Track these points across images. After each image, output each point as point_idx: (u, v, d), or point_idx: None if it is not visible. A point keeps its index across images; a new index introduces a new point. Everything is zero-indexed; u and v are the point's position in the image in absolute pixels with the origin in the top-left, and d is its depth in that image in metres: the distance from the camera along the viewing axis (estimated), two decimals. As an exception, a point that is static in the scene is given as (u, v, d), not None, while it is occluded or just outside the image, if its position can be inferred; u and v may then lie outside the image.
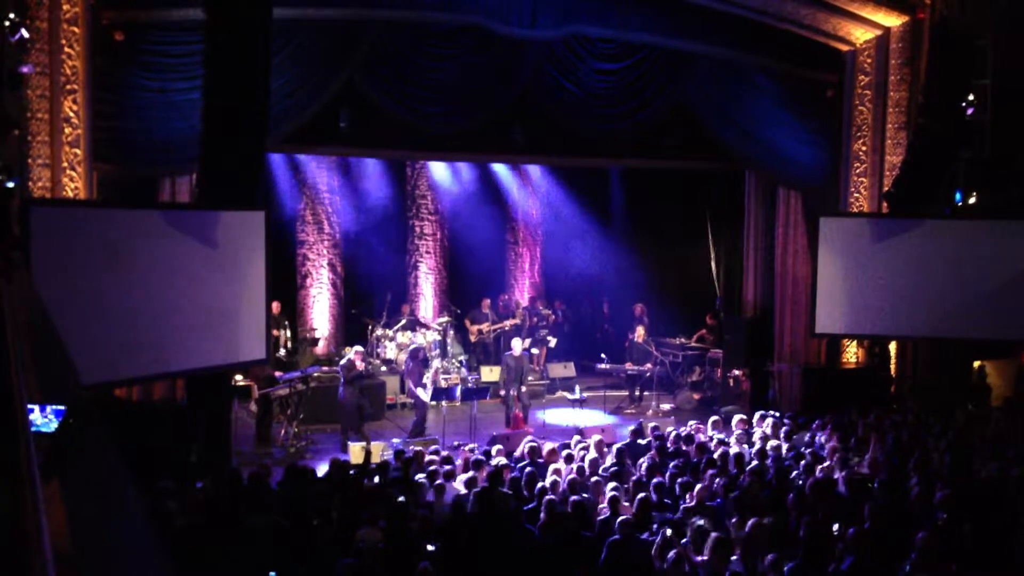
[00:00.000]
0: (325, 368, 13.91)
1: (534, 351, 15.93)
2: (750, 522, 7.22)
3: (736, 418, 11.45)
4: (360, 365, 12.54)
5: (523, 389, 13.60)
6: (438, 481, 8.67)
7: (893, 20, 13.54)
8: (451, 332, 15.98)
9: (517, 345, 13.57)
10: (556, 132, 14.11)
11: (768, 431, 10.82)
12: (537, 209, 18.38)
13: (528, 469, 9.05)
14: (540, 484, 8.41)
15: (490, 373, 14.84)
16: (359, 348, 12.96)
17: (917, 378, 13.88)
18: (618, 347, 16.02)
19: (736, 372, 14.58)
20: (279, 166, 15.59)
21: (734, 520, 7.46)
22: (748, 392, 14.37)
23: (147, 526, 3.47)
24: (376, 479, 8.82)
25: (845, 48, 14.01)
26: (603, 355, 15.30)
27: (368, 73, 12.36)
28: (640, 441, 10.47)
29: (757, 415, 11.52)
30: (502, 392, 13.46)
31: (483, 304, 16.47)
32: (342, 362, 12.74)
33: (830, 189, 14.26)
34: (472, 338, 16.23)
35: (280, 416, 12.51)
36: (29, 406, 2.98)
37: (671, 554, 6.61)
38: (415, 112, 12.75)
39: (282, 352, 13.97)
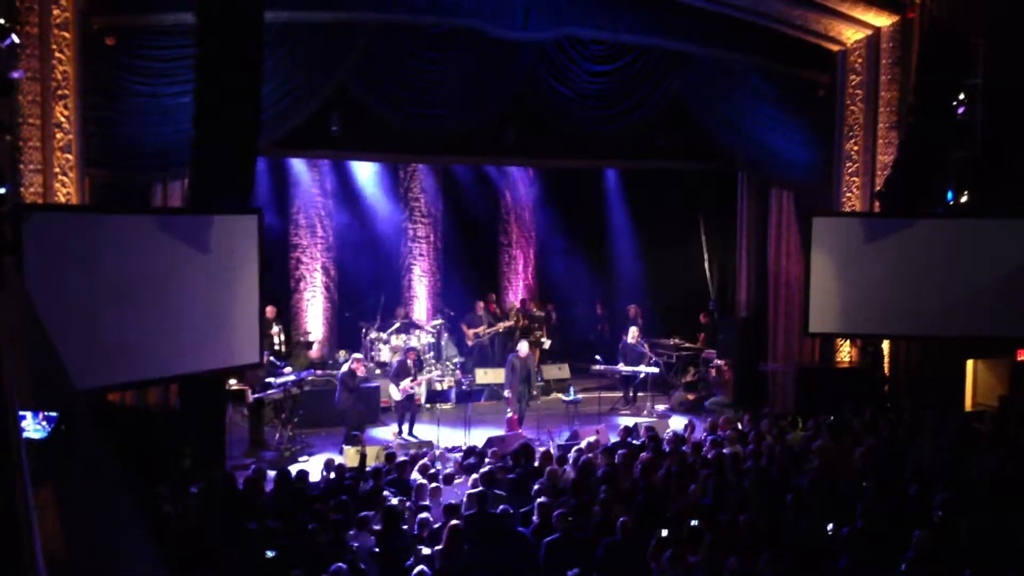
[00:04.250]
0: (319, 372, 13.89)
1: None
2: (745, 521, 7.23)
3: (722, 418, 11.49)
4: (361, 372, 12.53)
5: (533, 392, 13.58)
6: (433, 484, 8.67)
7: (883, 20, 13.58)
8: (445, 334, 15.96)
9: (523, 347, 13.57)
10: (549, 134, 14.08)
11: (763, 430, 10.84)
12: (530, 210, 18.39)
13: (522, 471, 9.06)
14: (534, 486, 8.41)
15: (484, 375, 14.83)
16: (358, 356, 12.96)
17: (911, 376, 13.91)
18: (613, 348, 16.02)
19: (719, 362, 14.57)
20: (272, 170, 15.56)
21: (728, 520, 7.46)
22: (731, 381, 14.36)
23: (141, 530, 3.46)
24: (371, 482, 8.81)
25: (836, 48, 14.05)
26: (597, 356, 15.31)
27: (360, 76, 12.34)
28: (634, 441, 10.47)
29: (746, 416, 11.53)
30: (506, 393, 13.45)
31: (477, 307, 16.47)
32: (343, 370, 12.71)
33: (822, 189, 14.28)
34: (469, 342, 16.21)
35: (274, 420, 12.49)
36: (22, 412, 2.97)
37: (667, 554, 6.61)
38: (408, 115, 12.73)
39: (273, 357, 13.94)
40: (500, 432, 12.51)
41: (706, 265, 17.24)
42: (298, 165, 16.00)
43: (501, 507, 7.63)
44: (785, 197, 14.75)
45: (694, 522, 7.29)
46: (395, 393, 12.99)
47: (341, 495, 8.27)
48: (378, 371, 14.84)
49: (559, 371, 15.02)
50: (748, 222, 15.51)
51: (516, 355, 13.45)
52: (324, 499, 8.14)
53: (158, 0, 11.02)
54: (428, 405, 13.49)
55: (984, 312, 12.65)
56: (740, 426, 11.21)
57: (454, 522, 7.14)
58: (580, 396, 13.89)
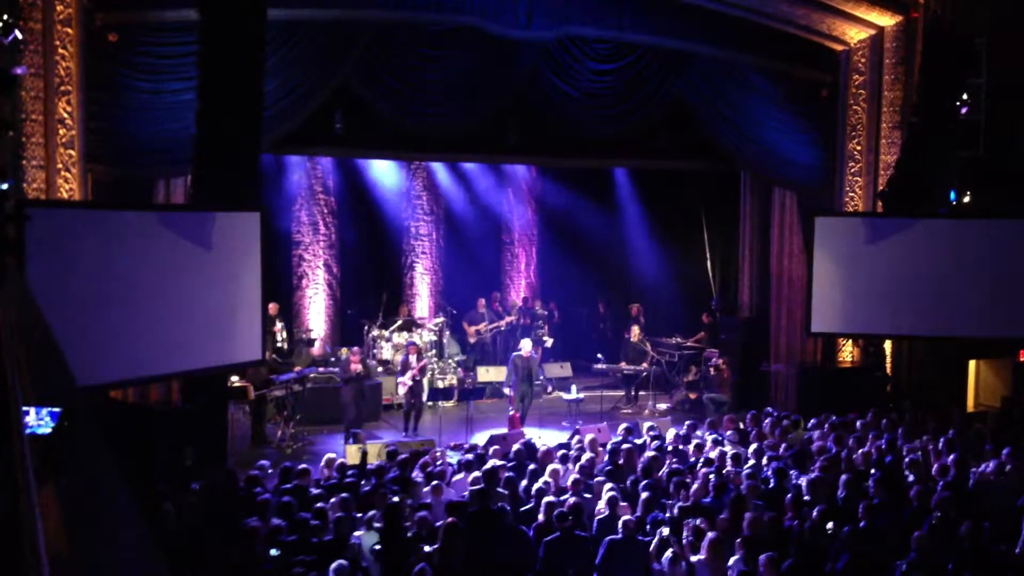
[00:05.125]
0: (321, 369, 13.90)
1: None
2: (746, 521, 7.23)
3: (725, 418, 11.47)
4: (356, 366, 12.55)
5: (535, 391, 13.55)
6: (435, 482, 8.67)
7: (887, 20, 13.56)
8: (447, 332, 15.97)
9: (526, 345, 13.55)
10: (551, 132, 14.09)
11: (765, 430, 10.84)
12: (532, 209, 18.38)
13: (525, 469, 9.05)
14: (537, 484, 8.41)
15: (487, 373, 14.82)
16: (356, 348, 12.99)
17: (913, 377, 13.90)
18: (615, 347, 16.02)
19: (717, 360, 14.60)
20: (274, 167, 15.56)
21: (729, 519, 7.46)
22: (729, 379, 14.36)
23: (143, 528, 3.46)
24: (373, 480, 8.81)
25: (839, 48, 14.03)
26: (599, 355, 15.30)
27: (363, 74, 12.34)
28: (636, 440, 10.47)
29: (749, 415, 11.53)
30: (508, 392, 13.44)
31: (479, 304, 16.47)
32: (342, 358, 12.76)
33: (825, 189, 14.27)
34: (471, 339, 16.21)
35: (276, 417, 12.50)
36: (25, 408, 2.97)
37: (668, 554, 6.62)
38: (410, 113, 12.74)
39: (275, 354, 13.95)
40: (502, 430, 12.51)
41: (708, 264, 17.23)
42: (301, 162, 16.00)
43: (499, 504, 7.64)
44: (788, 197, 14.74)
45: (695, 521, 7.29)
46: (400, 389, 12.98)
47: (343, 493, 8.27)
48: (380, 368, 14.85)
49: (561, 369, 15.02)
50: (750, 222, 15.50)
51: (519, 354, 13.45)
52: (326, 497, 8.14)
53: (160, -3, 11.06)
54: (430, 403, 13.49)
55: (987, 313, 12.63)
56: (742, 425, 11.21)
57: (451, 519, 7.14)
58: (582, 395, 13.89)
